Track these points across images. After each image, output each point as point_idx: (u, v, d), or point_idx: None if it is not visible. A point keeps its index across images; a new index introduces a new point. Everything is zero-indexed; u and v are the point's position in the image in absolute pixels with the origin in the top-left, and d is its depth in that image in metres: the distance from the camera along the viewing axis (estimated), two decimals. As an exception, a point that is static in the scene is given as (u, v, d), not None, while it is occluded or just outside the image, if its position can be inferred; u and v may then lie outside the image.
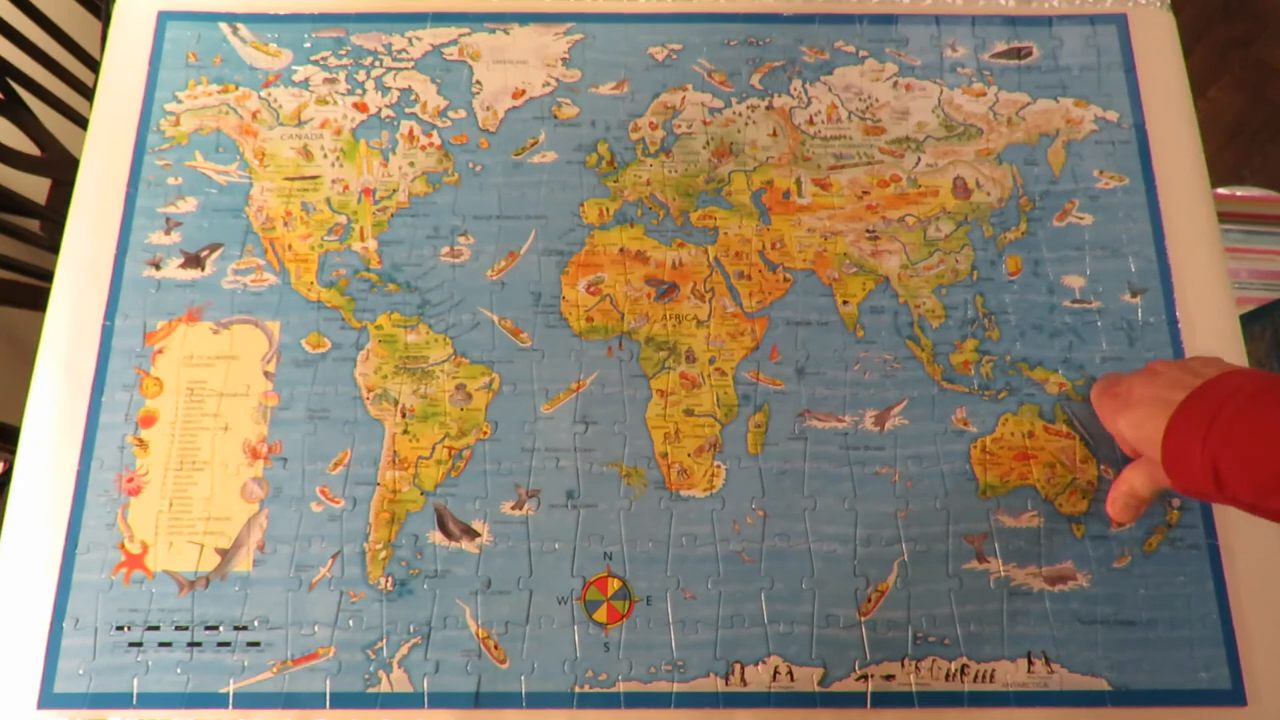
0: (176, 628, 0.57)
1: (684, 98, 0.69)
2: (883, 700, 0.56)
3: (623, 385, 0.62)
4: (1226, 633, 0.57)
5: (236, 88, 0.69)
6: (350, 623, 0.57)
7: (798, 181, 0.67)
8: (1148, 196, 0.66)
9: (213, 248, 0.65)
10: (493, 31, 0.71)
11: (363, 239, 0.65)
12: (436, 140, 0.68)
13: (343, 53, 0.70)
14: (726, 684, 0.56)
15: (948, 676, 0.56)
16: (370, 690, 0.56)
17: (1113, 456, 0.60)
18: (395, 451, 0.60)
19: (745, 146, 0.68)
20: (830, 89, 0.70)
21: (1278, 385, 0.45)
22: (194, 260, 0.65)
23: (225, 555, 0.58)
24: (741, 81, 0.70)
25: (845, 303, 0.64)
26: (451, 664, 0.56)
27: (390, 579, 0.58)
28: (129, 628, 0.57)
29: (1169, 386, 0.50)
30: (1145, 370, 0.55)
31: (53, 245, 0.72)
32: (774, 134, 0.68)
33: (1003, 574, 0.58)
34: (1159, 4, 0.72)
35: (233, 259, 0.65)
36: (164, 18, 0.71)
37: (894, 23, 0.71)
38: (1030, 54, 0.71)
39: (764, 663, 0.56)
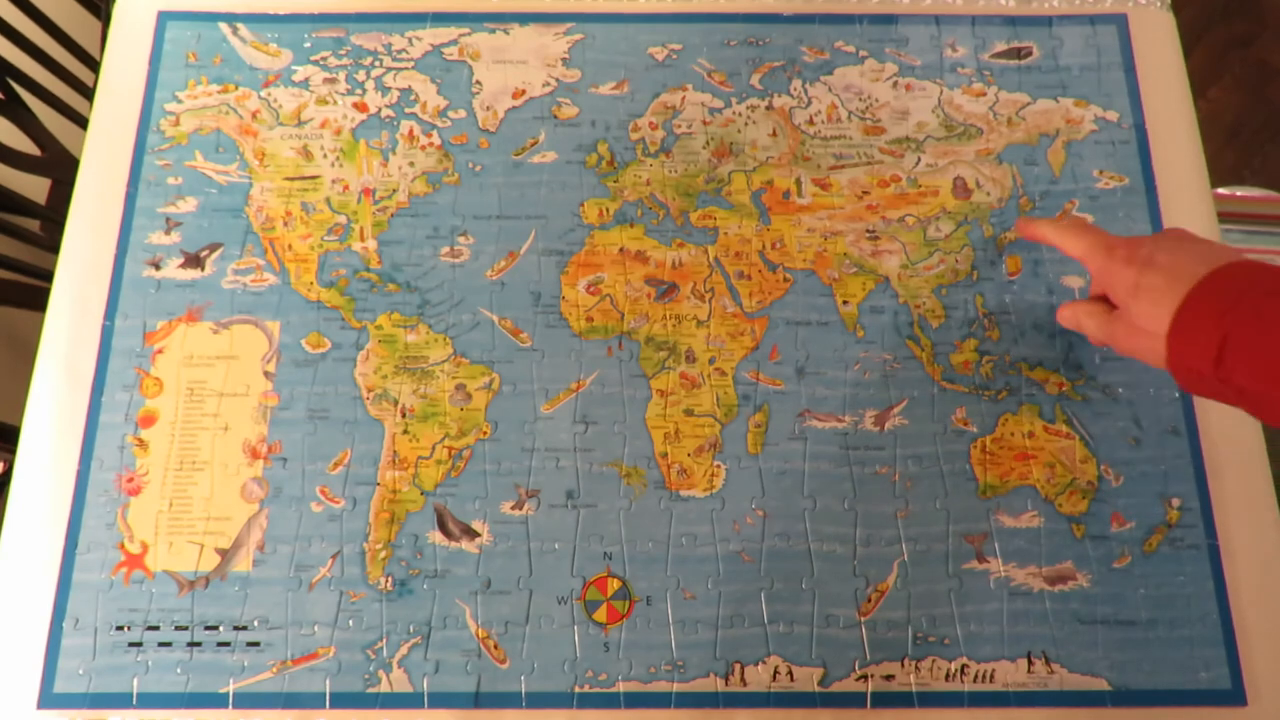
0: (176, 628, 0.57)
1: (684, 98, 0.69)
2: (883, 700, 0.56)
3: (623, 385, 0.62)
4: (1226, 633, 0.57)
5: (236, 88, 0.69)
6: (350, 623, 0.57)
7: (798, 181, 0.67)
8: (1148, 196, 0.66)
9: (213, 248, 0.65)
10: (493, 31, 0.71)
11: (363, 239, 0.65)
12: (436, 140, 0.68)
13: (343, 53, 0.70)
14: (726, 684, 0.56)
15: (948, 676, 0.56)
16: (370, 690, 0.56)
17: (1113, 456, 0.60)
18: (395, 451, 0.60)
19: (745, 146, 0.68)
20: (830, 89, 0.70)
21: None
22: (194, 260, 0.65)
23: (225, 555, 0.58)
24: (741, 81, 0.70)
25: (845, 303, 0.64)
26: (451, 664, 0.56)
27: (390, 579, 0.58)
28: (129, 628, 0.57)
29: (1194, 260, 0.48)
30: (1168, 236, 0.52)
31: (53, 245, 0.72)
32: (774, 134, 0.68)
33: (1003, 574, 0.58)
34: (1159, 4, 0.72)
35: (233, 259, 0.65)
36: (164, 18, 0.71)
37: (894, 23, 0.71)
38: (1030, 54, 0.71)
39: (764, 663, 0.56)
